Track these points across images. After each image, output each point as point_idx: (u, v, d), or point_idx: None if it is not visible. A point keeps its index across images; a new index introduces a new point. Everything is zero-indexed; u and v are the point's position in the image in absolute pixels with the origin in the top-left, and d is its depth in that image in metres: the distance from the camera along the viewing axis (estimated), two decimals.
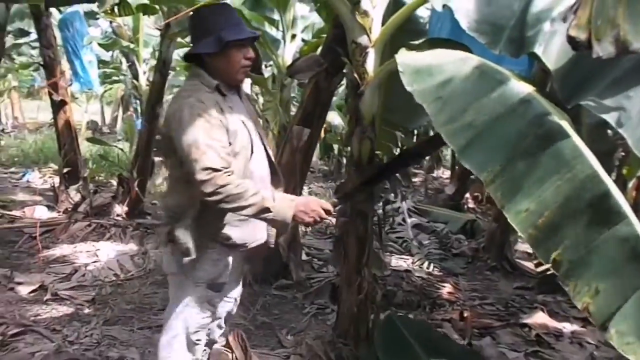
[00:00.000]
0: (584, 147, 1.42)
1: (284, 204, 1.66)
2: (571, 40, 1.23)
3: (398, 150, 3.51)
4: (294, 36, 4.44)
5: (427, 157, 8.69)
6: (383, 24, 2.19)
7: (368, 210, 2.35)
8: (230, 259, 1.83)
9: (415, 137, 6.75)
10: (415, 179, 9.63)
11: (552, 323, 3.50)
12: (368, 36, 2.13)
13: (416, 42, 2.03)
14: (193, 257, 1.72)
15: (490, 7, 1.78)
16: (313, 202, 1.71)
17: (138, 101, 8.76)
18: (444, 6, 1.84)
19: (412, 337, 2.05)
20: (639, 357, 1.20)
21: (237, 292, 2.02)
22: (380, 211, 3.44)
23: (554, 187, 1.36)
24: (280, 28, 4.49)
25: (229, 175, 1.59)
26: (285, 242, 3.66)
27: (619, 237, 1.29)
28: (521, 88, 1.54)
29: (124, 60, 8.56)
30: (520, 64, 3.14)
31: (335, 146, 9.56)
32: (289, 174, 3.10)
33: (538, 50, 1.63)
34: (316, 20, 4.62)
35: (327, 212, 1.72)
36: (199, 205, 1.69)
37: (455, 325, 3.37)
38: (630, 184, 6.51)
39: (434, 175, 9.46)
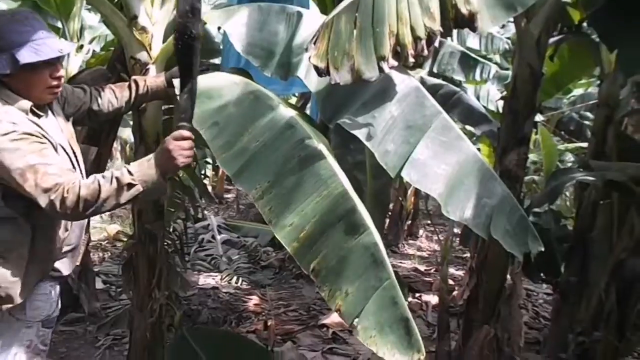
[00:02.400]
0: (337, 168, 1.61)
1: (143, 169, 1.46)
2: (315, 67, 1.39)
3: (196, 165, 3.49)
4: (81, 47, 4.11)
5: None
6: (166, 41, 2.17)
7: (157, 229, 2.28)
8: (58, 288, 1.73)
9: None
10: (228, 195, 9.68)
11: (335, 311, 3.84)
12: (148, 53, 2.09)
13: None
14: (18, 302, 1.54)
15: (262, 33, 1.91)
16: (168, 143, 1.47)
17: None
18: (219, 28, 1.92)
19: (205, 349, 2.05)
20: (380, 348, 1.40)
21: None
22: (178, 229, 3.38)
23: (313, 204, 1.51)
24: (65, 38, 4.11)
25: (73, 183, 1.40)
26: (75, 272, 3.31)
27: (362, 246, 1.49)
28: (287, 113, 1.68)
29: None
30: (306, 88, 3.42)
31: None
32: None
33: (301, 74, 1.80)
34: (107, 31, 4.34)
35: (187, 138, 1.49)
36: (29, 241, 1.54)
37: (259, 335, 3.47)
38: (410, 192, 7.60)
39: None
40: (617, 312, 2.64)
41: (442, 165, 1.76)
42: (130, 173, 1.44)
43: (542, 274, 4.68)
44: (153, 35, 2.10)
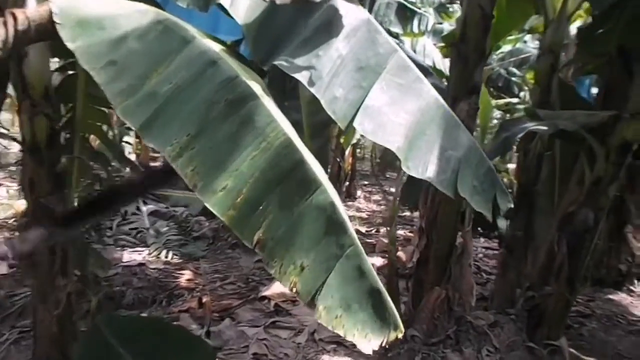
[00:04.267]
0: (277, 113, 1.29)
1: None
2: None
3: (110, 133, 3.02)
4: None
5: None
6: None
7: (55, 203, 1.87)
8: None
9: None
10: (155, 163, 9.05)
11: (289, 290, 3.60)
12: None
13: None
14: None
15: None
16: None
17: None
18: None
19: (123, 342, 1.71)
20: (348, 331, 1.13)
21: None
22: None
23: (249, 159, 1.20)
24: None
25: None
26: None
27: (316, 207, 1.20)
28: (209, 47, 1.32)
29: None
30: (235, 32, 3.01)
31: None
32: None
33: (225, 2, 1.44)
34: None
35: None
36: None
37: (193, 314, 3.15)
38: (347, 152, 7.42)
39: None
40: (568, 265, 2.57)
41: (400, 112, 1.49)
42: None
43: (479, 229, 4.68)
44: None
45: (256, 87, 1.29)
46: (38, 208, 1.86)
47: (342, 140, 6.86)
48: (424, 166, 1.46)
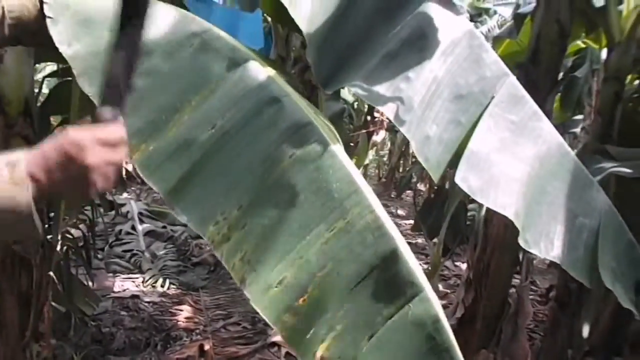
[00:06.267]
0: (359, 177, 0.88)
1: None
2: None
3: None
4: None
5: None
6: None
7: (30, 250, 1.44)
8: None
9: None
10: None
11: None
12: None
13: None
14: None
15: None
16: (87, 153, 0.58)
17: None
18: None
19: None
20: None
21: None
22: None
23: (320, 244, 0.82)
24: None
25: None
26: None
27: (412, 321, 0.82)
28: (265, 75, 0.91)
29: None
30: (256, 41, 2.59)
31: None
32: None
33: (284, 1, 1.03)
34: None
35: (116, 143, 0.60)
36: None
37: None
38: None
39: None
40: None
41: (513, 162, 1.08)
42: None
43: None
44: None
45: (331, 137, 0.89)
46: (10, 256, 1.43)
47: (354, 160, 6.47)
48: (548, 240, 1.05)
